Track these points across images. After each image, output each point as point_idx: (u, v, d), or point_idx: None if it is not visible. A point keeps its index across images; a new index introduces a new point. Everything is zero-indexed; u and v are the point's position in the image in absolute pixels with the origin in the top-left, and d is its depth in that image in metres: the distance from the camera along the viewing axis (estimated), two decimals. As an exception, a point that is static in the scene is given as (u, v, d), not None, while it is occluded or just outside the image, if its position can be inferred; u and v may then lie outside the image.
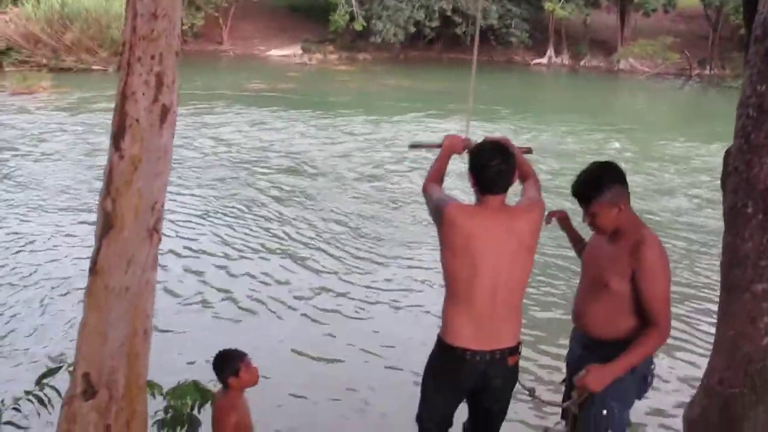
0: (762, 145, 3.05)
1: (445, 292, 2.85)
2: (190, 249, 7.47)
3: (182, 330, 5.47)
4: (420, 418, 2.97)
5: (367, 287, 6.66)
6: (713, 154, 13.43)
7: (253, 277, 6.84)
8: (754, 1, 3.09)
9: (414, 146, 3.65)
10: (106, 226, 2.56)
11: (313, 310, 6.09)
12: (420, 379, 3.02)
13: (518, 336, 2.81)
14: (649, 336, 2.64)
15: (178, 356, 4.81)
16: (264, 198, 9.72)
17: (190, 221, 8.40)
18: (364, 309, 6.18)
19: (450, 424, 2.97)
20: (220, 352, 2.76)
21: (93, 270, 2.62)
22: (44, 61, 22.36)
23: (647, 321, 2.65)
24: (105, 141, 12.94)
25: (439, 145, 3.25)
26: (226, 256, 7.37)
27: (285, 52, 31.72)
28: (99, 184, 8.90)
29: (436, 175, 3.10)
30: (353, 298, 6.39)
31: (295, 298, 6.36)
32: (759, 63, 3.03)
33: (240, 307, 6.12)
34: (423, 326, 5.53)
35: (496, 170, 2.73)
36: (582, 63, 34.93)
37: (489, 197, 2.77)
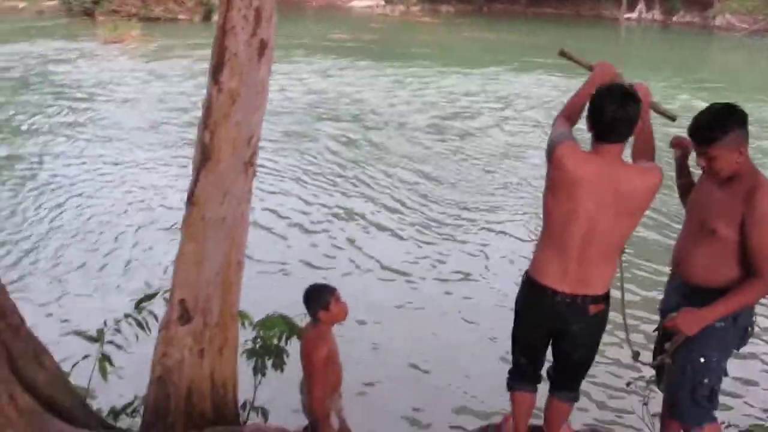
0: None
1: (542, 229, 2.80)
2: (261, 203, 7.37)
3: (250, 283, 5.56)
4: (513, 353, 3.00)
5: (440, 253, 6.52)
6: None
7: (327, 234, 6.82)
8: None
9: (564, 54, 3.27)
10: (204, 157, 2.63)
11: (385, 273, 6.04)
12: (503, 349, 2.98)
13: (607, 286, 2.74)
14: (752, 285, 2.53)
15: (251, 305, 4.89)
16: (337, 151, 9.75)
17: (259, 176, 8.45)
18: (439, 275, 6.04)
19: (541, 363, 2.98)
20: (311, 285, 2.82)
21: (190, 201, 2.70)
22: (134, 10, 23.00)
23: (751, 270, 2.54)
24: (186, 86, 13.31)
25: (590, 67, 3.02)
26: (297, 212, 7.37)
27: (368, 3, 31.52)
28: (180, 126, 9.09)
29: (574, 106, 2.88)
30: (426, 263, 6.27)
31: (369, 258, 6.30)
32: None
33: (310, 265, 6.09)
34: (502, 301, 5.40)
35: (611, 115, 2.54)
36: (675, 18, 33.23)
37: (603, 146, 2.60)
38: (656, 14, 33.48)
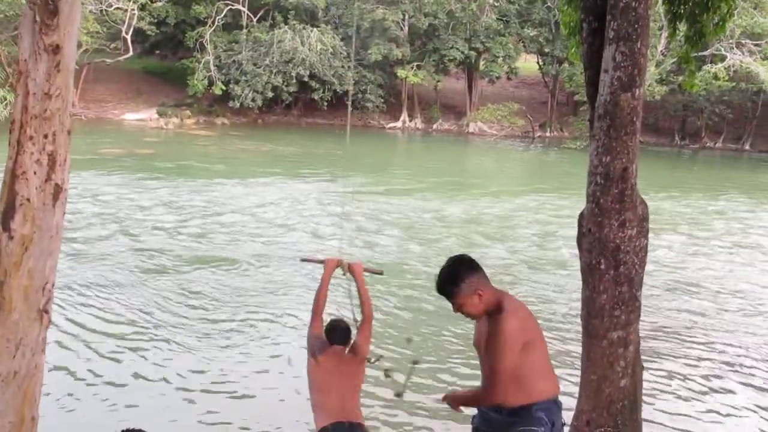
0: (610, 209, 3.48)
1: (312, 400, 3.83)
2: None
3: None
4: None
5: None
6: (540, 206, 14.69)
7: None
8: (595, 85, 3.55)
9: (304, 260, 5.00)
10: (-7, 309, 2.47)
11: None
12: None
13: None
14: (479, 393, 3.13)
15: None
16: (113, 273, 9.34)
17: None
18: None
19: None
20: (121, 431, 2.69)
21: (-24, 357, 2.50)
22: None
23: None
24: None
25: (321, 261, 4.21)
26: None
27: (140, 116, 30.95)
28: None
29: (319, 300, 4.05)
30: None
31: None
32: (603, 137, 3.48)
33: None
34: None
35: (340, 335, 3.96)
36: (434, 126, 36.83)
37: (335, 347, 3.92)
38: (419, 123, 36.77)
